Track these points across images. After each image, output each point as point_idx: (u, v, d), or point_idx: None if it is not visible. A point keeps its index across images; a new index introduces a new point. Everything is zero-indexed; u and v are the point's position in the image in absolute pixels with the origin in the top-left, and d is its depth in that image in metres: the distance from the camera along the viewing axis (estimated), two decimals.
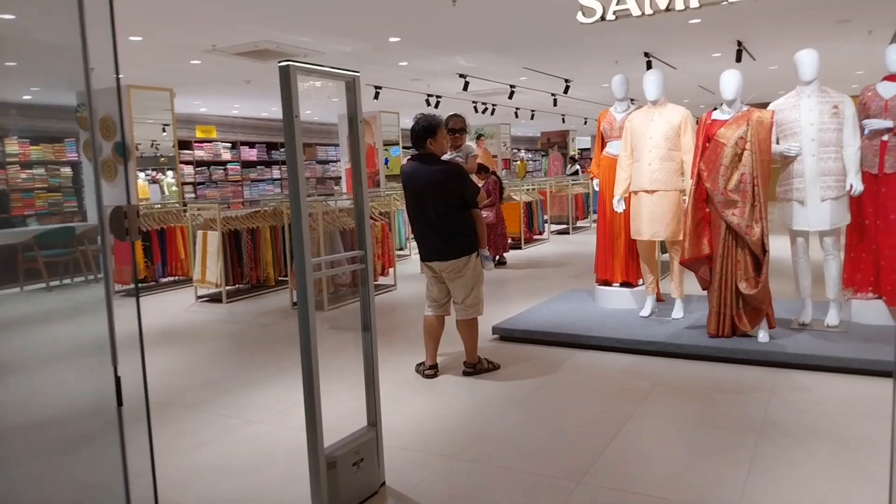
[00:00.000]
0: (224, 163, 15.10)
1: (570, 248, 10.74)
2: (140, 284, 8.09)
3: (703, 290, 4.66)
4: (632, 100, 5.71)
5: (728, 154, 4.35)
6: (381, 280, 7.65)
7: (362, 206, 2.88)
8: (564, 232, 12.81)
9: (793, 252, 4.69)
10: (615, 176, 5.25)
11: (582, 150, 25.70)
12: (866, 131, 4.55)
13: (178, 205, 9.43)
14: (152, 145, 10.04)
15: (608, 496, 2.75)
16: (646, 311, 5.25)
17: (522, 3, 6.65)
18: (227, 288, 7.33)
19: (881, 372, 3.85)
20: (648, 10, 4.74)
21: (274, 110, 15.22)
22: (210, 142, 14.93)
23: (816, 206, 4.42)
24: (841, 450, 3.05)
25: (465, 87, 11.32)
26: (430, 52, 9.12)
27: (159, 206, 9.38)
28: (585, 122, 21.40)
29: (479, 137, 14.01)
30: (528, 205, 11.25)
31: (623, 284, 5.67)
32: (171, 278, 8.48)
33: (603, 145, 5.69)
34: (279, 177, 16.22)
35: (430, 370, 4.37)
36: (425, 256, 4.27)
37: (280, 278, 7.87)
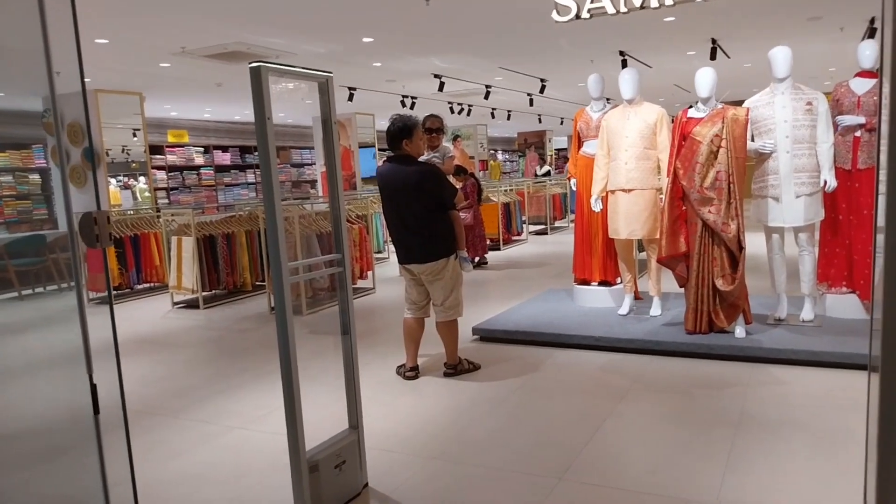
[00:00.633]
0: (197, 167, 14.89)
1: (548, 248, 10.78)
2: (115, 292, 7.95)
3: (681, 287, 4.69)
4: (608, 99, 5.74)
5: (704, 152, 4.39)
6: (360, 283, 7.60)
7: (338, 209, 2.85)
8: (543, 232, 12.86)
9: (768, 248, 4.74)
10: (592, 175, 5.27)
11: (559, 149, 25.86)
12: (839, 127, 4.62)
13: (151, 210, 9.28)
14: (123, 151, 9.87)
15: (589, 492, 2.76)
16: (624, 310, 5.28)
17: (497, 2, 6.65)
18: (204, 294, 7.23)
19: (856, 365, 3.92)
20: (623, 8, 4.77)
21: (247, 113, 15.05)
22: (182, 146, 14.71)
23: (791, 203, 4.48)
24: (817, 442, 3.09)
25: (441, 88, 11.30)
26: (404, 53, 9.09)
27: (132, 212, 9.22)
28: (562, 122, 21.53)
29: (455, 139, 14.00)
30: (507, 206, 11.28)
31: (601, 283, 5.70)
32: (147, 285, 8.36)
33: (580, 145, 5.71)
34: (254, 181, 16.05)
35: (410, 372, 4.35)
36: (403, 259, 4.24)
37: (257, 283, 7.78)
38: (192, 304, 7.30)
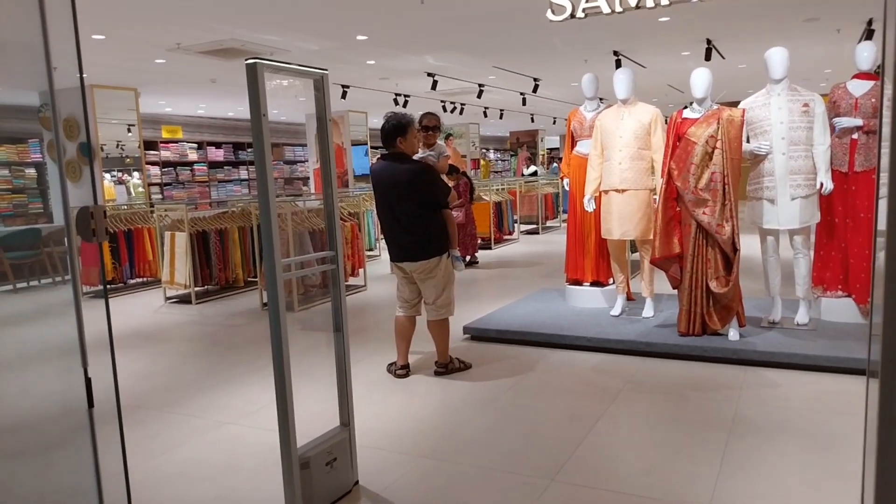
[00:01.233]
0: (191, 163, 14.83)
1: (539, 247, 10.78)
2: (108, 286, 7.91)
3: (674, 288, 4.69)
4: (601, 99, 5.74)
5: (699, 153, 4.38)
6: (352, 281, 7.58)
7: (332, 206, 2.84)
8: (534, 232, 12.86)
9: (763, 251, 4.74)
10: (585, 175, 5.27)
11: (551, 149, 25.87)
12: (836, 129, 4.61)
13: (144, 206, 9.23)
14: (117, 146, 9.82)
15: (581, 494, 2.75)
16: (616, 310, 5.28)
17: (491, 1, 6.64)
18: (196, 289, 7.19)
19: (850, 369, 3.92)
20: (618, 8, 4.76)
21: (240, 110, 14.99)
22: (176, 142, 14.66)
23: (786, 205, 4.48)
24: (810, 446, 3.08)
25: (434, 87, 11.29)
26: (398, 51, 9.07)
27: (126, 207, 9.17)
28: (554, 122, 21.55)
29: (447, 137, 13.99)
30: (498, 205, 11.27)
31: (593, 284, 5.70)
32: (140, 280, 8.33)
33: (573, 144, 5.71)
34: (246, 177, 15.99)
35: (401, 370, 4.33)
36: (395, 257, 4.22)
37: (249, 279, 7.75)
38: (184, 300, 7.27)
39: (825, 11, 7.69)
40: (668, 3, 4.61)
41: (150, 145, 13.43)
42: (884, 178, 1.62)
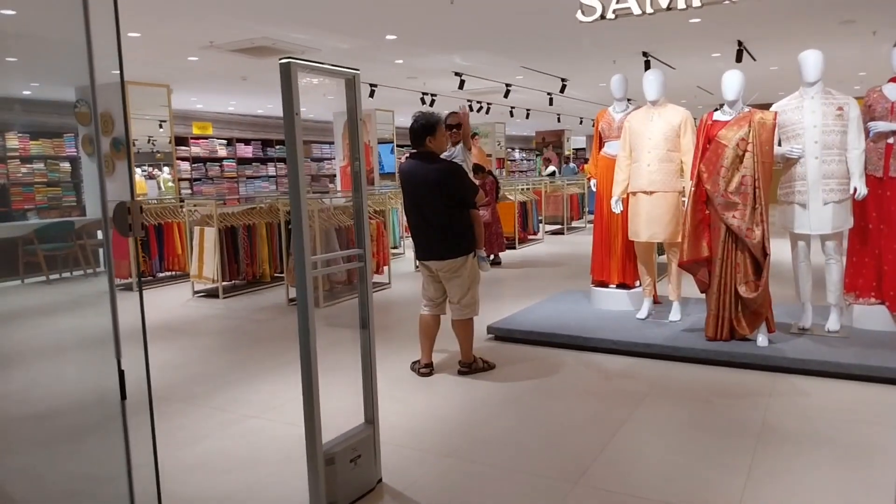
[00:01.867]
0: (220, 159, 15.04)
1: (564, 248, 10.73)
2: (141, 284, 8.07)
3: (702, 292, 4.63)
4: (630, 100, 5.69)
5: (729, 156, 4.33)
6: (376, 278, 7.62)
7: (361, 204, 2.86)
8: (559, 232, 12.80)
9: (793, 256, 4.66)
10: (613, 176, 5.23)
11: (577, 149, 25.72)
12: (871, 134, 4.51)
13: (174, 201, 9.38)
14: (149, 141, 9.99)
15: (605, 498, 2.73)
16: (642, 313, 5.23)
17: (522, 1, 6.62)
18: (224, 284, 7.29)
19: (883, 378, 3.84)
20: (649, 10, 4.71)
21: (270, 107, 15.15)
22: (206, 138, 14.87)
23: (818, 210, 4.39)
24: (842, 457, 3.03)
25: (461, 86, 11.29)
26: (426, 51, 9.09)
27: (156, 201, 9.33)
28: (581, 122, 21.41)
29: (473, 136, 13.97)
30: (523, 204, 11.23)
31: (619, 286, 5.65)
32: (168, 273, 8.47)
33: (601, 145, 5.67)
34: (274, 174, 16.17)
35: (425, 368, 4.35)
36: (422, 255, 4.23)
37: (276, 275, 7.83)
38: (212, 294, 7.37)
39: (861, 13, 7.53)
40: (699, 4, 4.55)
41: (180, 141, 13.64)
42: None
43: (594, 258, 5.83)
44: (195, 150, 14.49)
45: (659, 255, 5.56)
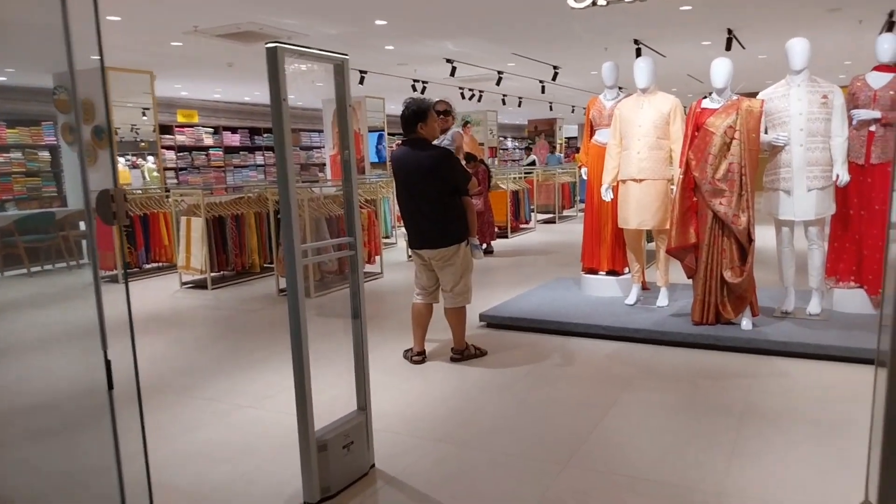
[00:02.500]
0: (206, 148, 14.91)
1: (556, 236, 10.78)
2: (127, 273, 8.01)
3: (689, 278, 4.69)
4: (620, 87, 5.71)
5: (717, 143, 4.36)
6: (368, 268, 7.62)
7: (351, 193, 2.86)
8: (551, 221, 12.84)
9: (778, 241, 4.73)
10: (603, 164, 5.26)
11: (569, 138, 25.71)
12: (854, 122, 4.57)
13: (160, 190, 9.31)
14: (132, 129, 9.88)
15: (594, 478, 2.78)
16: (631, 299, 5.29)
17: None
18: (212, 274, 7.27)
19: (861, 359, 3.92)
20: None
21: (257, 94, 15.02)
22: (192, 126, 14.73)
23: (802, 196, 4.45)
24: (821, 434, 3.10)
25: (453, 73, 11.25)
26: (417, 37, 9.05)
27: (141, 191, 9.26)
28: (573, 111, 21.40)
29: (465, 124, 13.94)
30: (515, 193, 11.26)
31: (609, 273, 5.70)
32: (155, 264, 8.41)
33: (592, 133, 5.69)
34: (262, 163, 16.06)
35: (417, 356, 4.38)
36: (414, 244, 4.25)
37: (265, 265, 7.82)
38: (200, 285, 7.35)
39: (848, 2, 7.57)
40: None
41: (165, 129, 13.51)
42: None
43: (584, 246, 5.87)
44: (180, 138, 14.35)
45: (648, 242, 5.61)
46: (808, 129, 4.41)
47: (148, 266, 8.37)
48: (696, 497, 2.61)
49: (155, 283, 7.77)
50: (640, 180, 4.93)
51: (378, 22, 8.02)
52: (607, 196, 5.19)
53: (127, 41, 8.41)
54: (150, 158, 10.70)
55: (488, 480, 2.82)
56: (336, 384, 3.55)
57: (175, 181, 13.76)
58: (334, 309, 6.08)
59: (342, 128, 2.87)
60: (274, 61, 2.44)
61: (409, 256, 8.64)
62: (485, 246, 8.87)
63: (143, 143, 10.06)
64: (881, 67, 4.60)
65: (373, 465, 2.94)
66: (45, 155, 10.09)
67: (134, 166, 11.37)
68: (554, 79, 12.48)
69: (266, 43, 2.46)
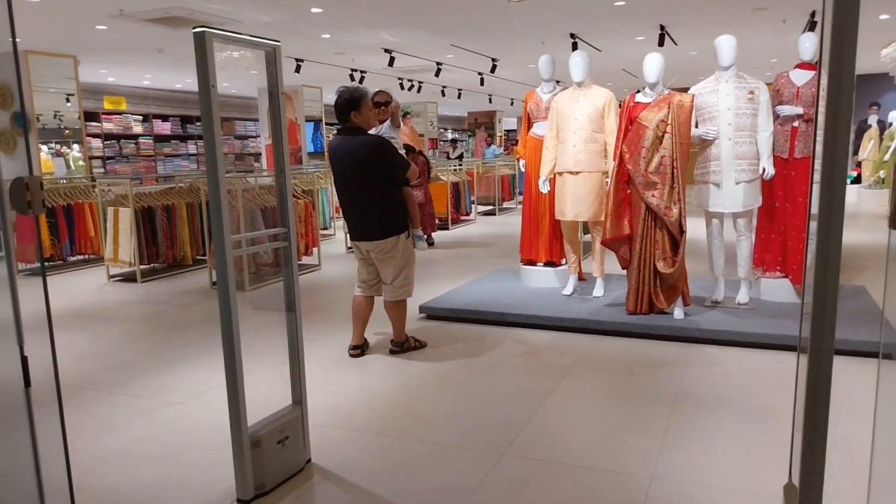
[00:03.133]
0: (135, 136, 14.33)
1: (496, 228, 10.86)
2: (47, 263, 7.61)
3: (623, 269, 4.80)
4: (557, 81, 5.78)
5: (650, 136, 4.47)
6: (305, 259, 7.49)
7: (284, 182, 2.79)
8: (491, 213, 12.94)
9: (708, 233, 4.89)
10: (541, 157, 5.31)
11: (508, 130, 25.96)
12: (779, 117, 4.76)
13: (85, 180, 8.89)
14: (55, 116, 9.40)
15: (531, 466, 2.81)
16: (568, 290, 5.37)
17: None
18: (142, 267, 7.00)
19: (786, 346, 4.09)
20: None
21: (189, 82, 14.51)
22: (119, 114, 14.13)
23: (731, 189, 4.61)
24: (747, 418, 3.22)
25: (391, 63, 11.16)
26: (354, 25, 8.91)
27: (65, 180, 8.81)
28: (512, 103, 21.60)
29: (405, 115, 13.86)
30: (456, 185, 11.28)
31: (547, 264, 5.77)
32: (81, 257, 8.03)
33: (529, 126, 5.74)
34: (195, 152, 15.56)
35: (354, 350, 4.32)
36: (353, 235, 4.18)
37: (198, 257, 7.58)
38: (129, 278, 7.07)
39: (772, 2, 7.89)
40: None
41: (91, 116, 12.92)
42: (818, 164, 1.71)
43: (523, 237, 5.92)
44: (108, 126, 13.75)
45: (584, 233, 5.71)
46: (735, 123, 4.56)
47: (73, 259, 7.99)
48: (630, 481, 2.67)
49: (81, 276, 7.42)
50: (576, 173, 5.01)
51: (314, 10, 7.85)
52: (545, 188, 5.24)
53: (48, 24, 7.96)
54: (76, 147, 10.20)
55: (426, 471, 2.81)
56: (271, 379, 3.47)
57: (102, 170, 13.18)
58: (270, 302, 5.94)
59: (274, 116, 2.79)
60: (202, 47, 2.35)
61: (349, 248, 8.55)
62: (426, 237, 8.87)
63: (67, 131, 9.58)
64: (803, 65, 4.80)
65: (309, 460, 2.89)
66: None
67: (58, 154, 10.82)
68: (493, 71, 12.54)
69: (193, 28, 2.37)
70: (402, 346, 4.34)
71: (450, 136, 25.80)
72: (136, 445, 3.13)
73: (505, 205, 13.77)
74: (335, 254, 8.39)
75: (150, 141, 14.64)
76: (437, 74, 12.77)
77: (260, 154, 15.55)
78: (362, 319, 4.33)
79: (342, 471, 2.82)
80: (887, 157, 11.53)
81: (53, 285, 6.79)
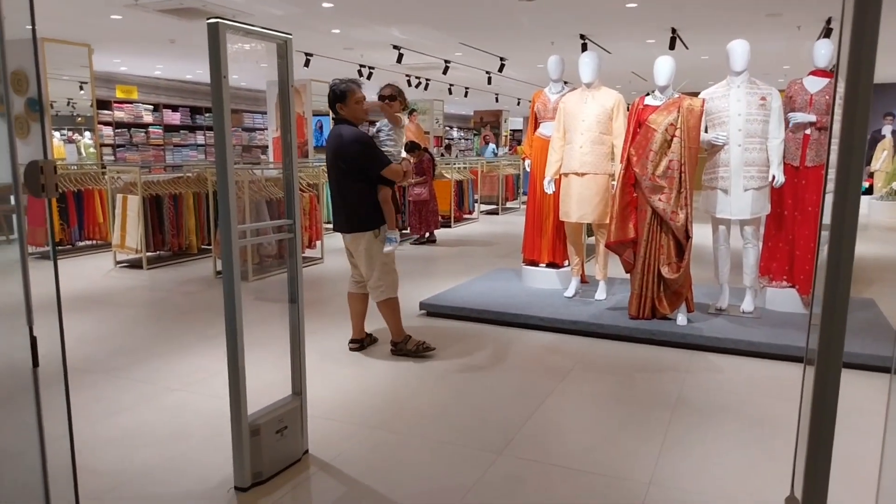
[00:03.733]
0: (145, 125, 14.38)
1: (498, 227, 10.85)
2: (56, 247, 7.66)
3: (627, 272, 4.78)
4: (566, 82, 5.77)
5: (658, 140, 4.45)
6: (308, 252, 7.51)
7: (291, 174, 2.80)
8: (494, 212, 12.93)
9: (714, 239, 4.86)
10: (547, 157, 5.30)
11: (514, 130, 25.94)
12: (791, 124, 4.72)
13: (96, 166, 8.93)
14: (68, 104, 9.46)
15: (527, 467, 2.81)
16: (570, 292, 5.37)
17: None
18: (148, 254, 7.03)
19: (790, 357, 4.07)
20: None
21: (199, 73, 14.56)
22: (131, 103, 14.18)
23: (739, 195, 4.59)
24: (748, 427, 3.21)
25: (399, 60, 11.16)
26: (364, 21, 8.92)
27: (76, 167, 8.84)
28: (518, 103, 21.58)
29: (411, 113, 13.86)
30: (459, 183, 11.28)
31: (549, 265, 5.77)
32: (89, 242, 8.09)
33: (536, 126, 5.73)
34: (203, 142, 15.60)
35: (353, 344, 4.32)
36: (334, 225, 4.19)
37: (203, 247, 7.61)
38: (135, 265, 7.10)
39: (787, 7, 7.86)
40: None
41: (103, 105, 12.97)
42: (831, 174, 1.69)
43: (526, 237, 5.92)
44: (119, 114, 13.80)
45: (588, 236, 5.70)
46: (746, 129, 4.54)
47: (81, 244, 8.05)
48: (628, 486, 2.67)
49: (88, 261, 7.46)
50: (582, 174, 5.00)
51: (325, 4, 7.87)
52: (549, 189, 5.24)
53: (63, 12, 8.00)
54: (87, 134, 10.25)
55: (422, 468, 2.81)
56: (271, 370, 3.48)
57: (112, 158, 13.24)
58: (272, 293, 5.96)
59: (284, 109, 2.80)
60: (215, 37, 2.36)
61: None
62: (428, 235, 8.87)
63: (79, 118, 9.63)
64: (818, 72, 4.76)
65: (306, 451, 2.90)
66: None
67: (70, 141, 10.87)
68: (500, 70, 12.53)
69: (207, 19, 2.38)
70: (398, 346, 4.26)
71: (454, 134, 25.82)
72: (137, 429, 3.14)
73: (508, 204, 13.76)
74: (339, 248, 8.37)
75: (160, 130, 14.69)
76: (444, 72, 12.77)
77: (267, 146, 15.57)
78: (357, 315, 4.31)
79: (339, 463, 2.83)
80: None
81: (62, 269, 6.79)
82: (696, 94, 4.70)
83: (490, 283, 5.93)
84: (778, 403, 3.49)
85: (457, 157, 16.28)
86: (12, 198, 2.05)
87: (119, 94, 14.06)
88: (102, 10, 8.04)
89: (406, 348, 4.24)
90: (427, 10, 8.24)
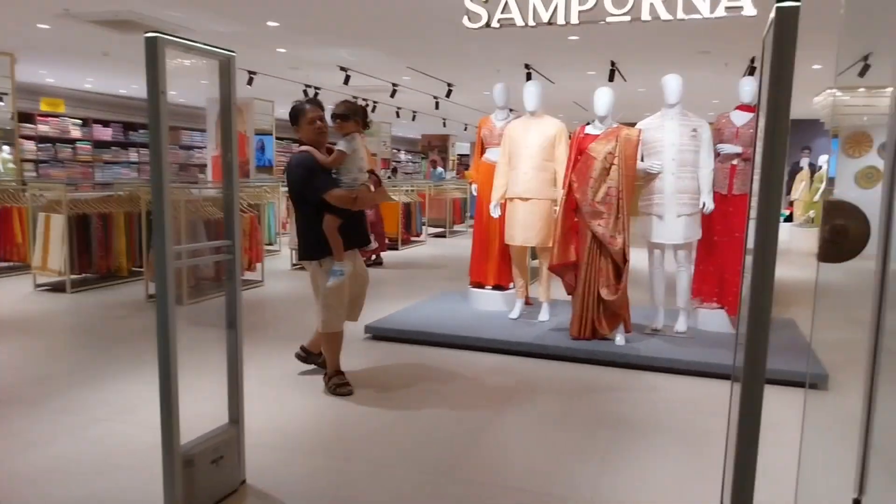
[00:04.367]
0: (73, 141, 13.76)
1: (446, 250, 10.88)
2: None
3: (569, 294, 4.87)
4: (511, 109, 5.87)
5: (597, 167, 4.58)
6: (248, 275, 7.32)
7: (232, 193, 2.72)
8: (441, 235, 12.97)
9: (649, 263, 5.02)
10: (493, 182, 5.37)
11: (461, 155, 26.21)
12: (720, 155, 4.98)
13: (15, 183, 8.49)
14: None
15: (473, 489, 2.79)
16: (514, 314, 5.41)
17: (410, 1, 6.64)
18: (73, 276, 6.69)
19: (721, 374, 4.20)
20: (531, 22, 4.88)
21: (134, 87, 14.09)
22: (57, 116, 13.56)
23: (672, 221, 4.77)
24: (683, 443, 3.29)
25: (346, 81, 11.14)
26: (310, 41, 8.87)
27: None
28: (465, 128, 21.81)
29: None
30: (407, 206, 11.28)
31: (495, 287, 5.81)
32: (5, 264, 7.63)
33: (482, 151, 5.81)
34: (137, 160, 15.05)
35: (301, 352, 4.31)
36: None
37: (134, 269, 7.30)
38: (58, 288, 6.74)
39: (716, 46, 8.28)
40: (577, 21, 4.78)
41: (25, 118, 12.37)
42: (754, 201, 1.79)
43: (472, 260, 5.95)
44: (43, 128, 13.16)
45: (532, 259, 5.77)
46: (679, 159, 4.74)
47: None
48: None
49: (4, 283, 7.04)
50: (527, 199, 5.08)
51: (270, 23, 7.79)
52: (496, 213, 5.30)
53: None
54: (7, 148, 9.74)
55: (363, 493, 2.75)
56: (207, 397, 3.33)
57: (34, 174, 12.61)
58: (208, 318, 5.76)
59: (225, 128, 2.73)
60: (153, 53, 2.28)
61: (294, 265, 8.41)
62: (375, 257, 8.80)
63: None
64: (743, 107, 5.07)
65: (243, 481, 2.79)
66: None
67: None
68: (448, 95, 12.66)
69: (144, 33, 2.30)
70: (310, 356, 4.21)
71: (402, 157, 25.90)
72: (58, 463, 2.96)
73: (456, 227, 13.83)
74: (281, 270, 8.23)
75: (89, 146, 14.10)
76: (392, 95, 12.81)
77: (206, 165, 15.19)
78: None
79: (277, 491, 2.74)
80: (817, 197, 12.17)
81: None
82: (633, 125, 4.87)
83: (436, 305, 5.92)
84: (711, 419, 3.58)
85: (400, 179, 16.32)
86: None
87: (44, 107, 13.42)
88: (28, 18, 7.67)
89: (327, 383, 3.99)
90: (375, 33, 8.27)
